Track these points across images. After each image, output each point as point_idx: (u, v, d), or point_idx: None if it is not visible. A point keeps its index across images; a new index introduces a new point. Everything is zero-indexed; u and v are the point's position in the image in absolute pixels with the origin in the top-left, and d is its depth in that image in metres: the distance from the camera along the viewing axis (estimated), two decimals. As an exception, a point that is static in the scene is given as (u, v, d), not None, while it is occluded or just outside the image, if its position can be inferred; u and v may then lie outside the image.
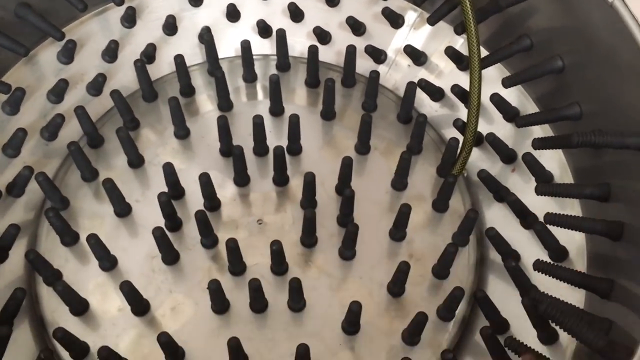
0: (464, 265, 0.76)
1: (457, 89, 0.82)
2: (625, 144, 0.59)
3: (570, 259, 0.72)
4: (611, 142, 0.60)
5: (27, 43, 0.78)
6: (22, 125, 0.79)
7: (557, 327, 0.62)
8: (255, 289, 0.68)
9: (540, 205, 0.75)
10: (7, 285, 0.72)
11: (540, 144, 0.68)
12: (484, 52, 0.80)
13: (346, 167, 0.75)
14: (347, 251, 0.74)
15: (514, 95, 0.82)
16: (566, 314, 0.50)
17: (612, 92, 0.66)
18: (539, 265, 0.63)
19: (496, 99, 0.79)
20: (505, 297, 0.73)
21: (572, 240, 0.73)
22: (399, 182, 0.79)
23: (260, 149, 0.81)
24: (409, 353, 0.70)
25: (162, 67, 0.88)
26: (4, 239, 0.71)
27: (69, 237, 0.74)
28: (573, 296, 0.69)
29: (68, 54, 0.83)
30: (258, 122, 0.77)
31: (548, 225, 0.69)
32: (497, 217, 0.79)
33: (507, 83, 0.76)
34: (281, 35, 0.85)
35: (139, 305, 0.70)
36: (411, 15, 0.89)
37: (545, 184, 0.67)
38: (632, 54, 0.62)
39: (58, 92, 0.81)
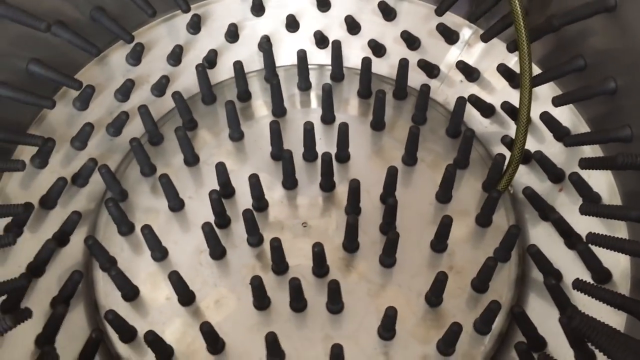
0: (504, 281, 0.76)
1: (507, 106, 0.83)
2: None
3: (613, 282, 0.71)
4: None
5: (99, 44, 0.83)
6: (90, 121, 0.84)
7: (593, 348, 0.62)
8: (295, 288, 0.70)
9: (587, 227, 0.74)
10: (67, 268, 0.77)
11: (587, 163, 0.68)
12: (537, 70, 0.81)
13: (391, 176, 0.76)
14: (388, 258, 0.76)
15: (565, 115, 0.82)
16: (599, 331, 0.50)
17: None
18: (578, 285, 0.63)
19: (546, 117, 0.79)
20: (544, 315, 0.73)
21: (617, 264, 0.72)
22: (444, 194, 0.80)
23: (310, 154, 0.84)
24: (443, 363, 0.71)
25: (222, 72, 0.93)
26: (66, 224, 0.76)
27: (125, 227, 0.79)
28: (613, 319, 0.68)
29: (136, 56, 0.88)
30: (308, 129, 0.80)
31: (592, 247, 0.69)
32: (542, 235, 0.79)
33: (557, 102, 0.76)
34: (337, 46, 0.88)
35: (185, 295, 0.74)
36: (466, 32, 0.91)
37: (590, 204, 0.66)
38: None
39: (124, 91, 0.87)
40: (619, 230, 0.74)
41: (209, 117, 0.89)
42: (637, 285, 0.69)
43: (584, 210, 0.66)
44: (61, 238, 0.76)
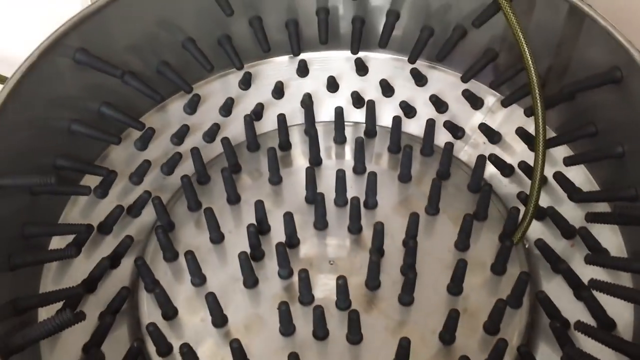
0: (515, 326, 0.81)
1: (524, 165, 0.90)
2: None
3: (617, 331, 0.75)
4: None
5: (162, 93, 0.95)
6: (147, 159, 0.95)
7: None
8: (319, 315, 0.77)
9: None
10: (116, 288, 0.86)
11: (592, 217, 0.74)
12: (551, 134, 0.88)
13: (413, 221, 0.84)
14: (406, 297, 0.82)
15: (579, 177, 0.89)
16: None
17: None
18: (579, 326, 0.68)
19: (559, 177, 0.86)
20: (551, 360, 0.77)
21: (621, 315, 0.76)
22: (462, 242, 0.87)
23: (340, 200, 0.92)
24: (452, 397, 0.75)
25: (267, 124, 1.03)
26: (119, 247, 0.85)
27: (170, 254, 0.87)
28: (615, 364, 0.72)
29: (192, 106, 1.00)
30: (340, 175, 0.88)
31: (597, 297, 0.74)
32: (553, 287, 0.84)
33: (568, 161, 0.83)
34: (371, 105, 0.97)
35: (218, 317, 0.81)
36: (490, 99, 1.00)
37: (595, 254, 0.72)
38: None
39: (180, 135, 0.98)
40: (625, 283, 0.79)
41: (252, 162, 0.99)
42: (639, 335, 0.73)
43: (589, 260, 0.72)
44: (114, 259, 0.85)
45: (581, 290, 0.77)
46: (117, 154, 0.96)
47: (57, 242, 0.87)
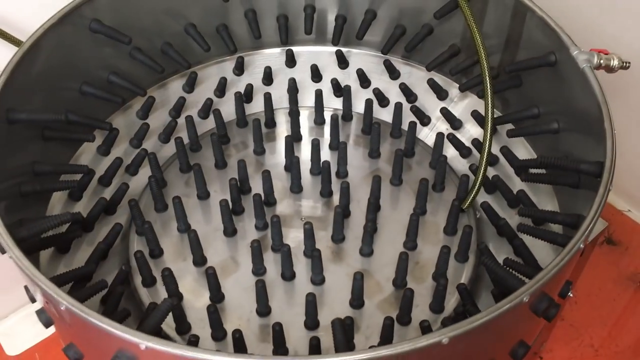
0: (459, 278, 0.91)
1: (476, 142, 1.02)
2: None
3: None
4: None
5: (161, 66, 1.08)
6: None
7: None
8: (286, 254, 0.88)
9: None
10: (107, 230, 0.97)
11: (529, 177, 0.86)
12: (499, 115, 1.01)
13: (375, 182, 0.95)
14: (365, 247, 0.93)
15: (522, 153, 1.01)
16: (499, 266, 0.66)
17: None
18: (522, 211, 0.79)
19: (505, 150, 0.98)
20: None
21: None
22: (419, 207, 0.98)
23: (315, 168, 1.04)
24: (400, 331, 0.85)
25: (256, 106, 1.15)
26: (116, 193, 0.97)
27: (160, 205, 0.98)
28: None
29: (190, 84, 1.13)
30: (315, 144, 1.00)
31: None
32: (497, 247, 0.94)
33: (510, 134, 0.95)
34: (347, 90, 1.10)
35: (199, 256, 0.92)
36: (454, 92, 1.12)
37: (527, 208, 0.84)
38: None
39: (177, 108, 1.10)
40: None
41: (240, 137, 1.11)
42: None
43: (521, 213, 0.83)
44: (110, 205, 0.97)
45: (513, 239, 0.88)
46: (119, 122, 1.08)
47: (59, 197, 0.98)
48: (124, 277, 0.87)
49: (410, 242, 0.94)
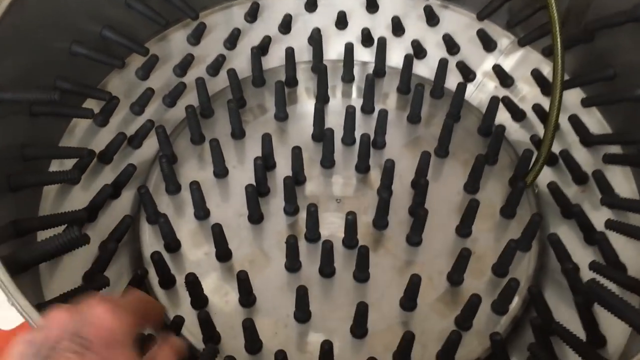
0: (523, 269, 0.80)
1: (537, 108, 0.88)
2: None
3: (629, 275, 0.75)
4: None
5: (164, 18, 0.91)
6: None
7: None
8: (327, 251, 0.75)
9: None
10: (115, 219, 0.83)
11: (610, 159, 0.73)
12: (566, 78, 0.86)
13: (424, 160, 0.82)
14: (415, 236, 0.81)
15: (593, 122, 0.87)
16: (612, 295, 0.54)
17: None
18: (594, 266, 0.67)
19: (574, 120, 0.84)
20: (560, 304, 0.76)
21: (635, 260, 0.76)
22: (472, 185, 0.85)
23: (349, 138, 0.90)
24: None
25: (274, 60, 0.99)
26: (121, 175, 0.82)
27: (173, 186, 0.85)
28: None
29: (197, 36, 0.96)
30: (350, 111, 0.86)
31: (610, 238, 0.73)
32: (563, 231, 0.83)
33: (585, 103, 0.81)
34: (382, 43, 0.94)
35: (223, 251, 0.79)
36: (504, 42, 0.97)
37: (611, 195, 0.71)
38: None
39: (183, 66, 0.94)
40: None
41: (258, 98, 0.96)
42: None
43: (604, 202, 0.71)
44: (115, 188, 0.83)
45: (593, 233, 0.77)
46: (117, 83, 0.92)
47: (54, 172, 0.83)
48: (140, 281, 0.74)
49: (466, 229, 0.82)
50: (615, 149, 0.82)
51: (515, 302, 0.76)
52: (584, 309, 0.68)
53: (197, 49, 0.97)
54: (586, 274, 0.76)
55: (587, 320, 0.68)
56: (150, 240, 0.81)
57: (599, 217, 0.80)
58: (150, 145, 0.90)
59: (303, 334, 0.75)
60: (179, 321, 0.70)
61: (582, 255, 0.79)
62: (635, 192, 0.81)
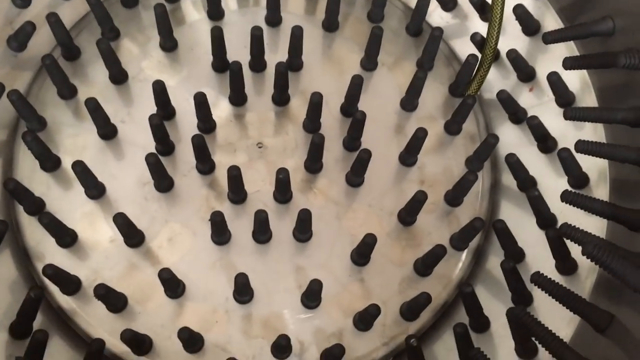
0: (476, 191, 0.71)
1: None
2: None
3: (590, 187, 0.68)
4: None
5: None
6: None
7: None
8: (262, 220, 0.63)
9: (556, 127, 0.71)
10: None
11: (573, 63, 0.62)
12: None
13: (356, 86, 0.68)
14: (356, 178, 0.69)
15: (533, 7, 0.75)
16: (613, 255, 0.47)
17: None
18: (566, 196, 0.59)
19: (519, 11, 0.72)
20: (519, 225, 0.69)
21: (594, 167, 0.69)
22: (410, 102, 0.73)
23: (258, 64, 0.73)
24: (420, 283, 0.67)
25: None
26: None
27: (49, 162, 0.67)
28: (593, 225, 0.65)
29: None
30: (257, 35, 0.69)
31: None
32: (511, 139, 0.74)
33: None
34: None
35: (133, 236, 0.65)
36: None
37: (576, 108, 0.61)
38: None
39: (23, -7, 0.71)
40: (594, 131, 0.70)
41: (133, 23, 0.76)
42: (617, 190, 0.66)
43: (569, 116, 0.62)
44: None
45: (551, 145, 0.69)
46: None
47: None
48: (36, 303, 0.59)
49: (412, 157, 0.71)
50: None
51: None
52: (556, 241, 0.61)
53: (37, -33, 0.74)
54: (544, 182, 0.70)
55: (556, 247, 0.62)
56: (36, 235, 0.65)
57: (548, 117, 0.71)
58: (5, 107, 0.69)
59: (247, 316, 0.65)
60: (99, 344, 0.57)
61: (536, 166, 0.71)
62: (587, 81, 0.71)
